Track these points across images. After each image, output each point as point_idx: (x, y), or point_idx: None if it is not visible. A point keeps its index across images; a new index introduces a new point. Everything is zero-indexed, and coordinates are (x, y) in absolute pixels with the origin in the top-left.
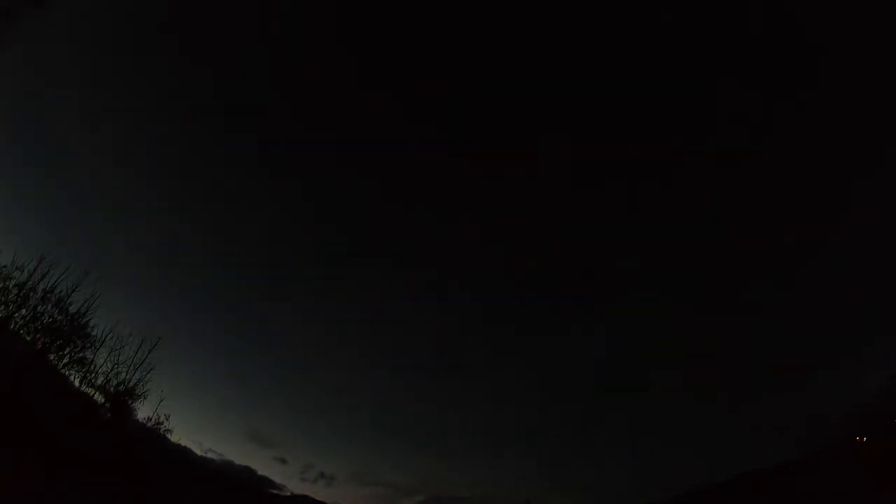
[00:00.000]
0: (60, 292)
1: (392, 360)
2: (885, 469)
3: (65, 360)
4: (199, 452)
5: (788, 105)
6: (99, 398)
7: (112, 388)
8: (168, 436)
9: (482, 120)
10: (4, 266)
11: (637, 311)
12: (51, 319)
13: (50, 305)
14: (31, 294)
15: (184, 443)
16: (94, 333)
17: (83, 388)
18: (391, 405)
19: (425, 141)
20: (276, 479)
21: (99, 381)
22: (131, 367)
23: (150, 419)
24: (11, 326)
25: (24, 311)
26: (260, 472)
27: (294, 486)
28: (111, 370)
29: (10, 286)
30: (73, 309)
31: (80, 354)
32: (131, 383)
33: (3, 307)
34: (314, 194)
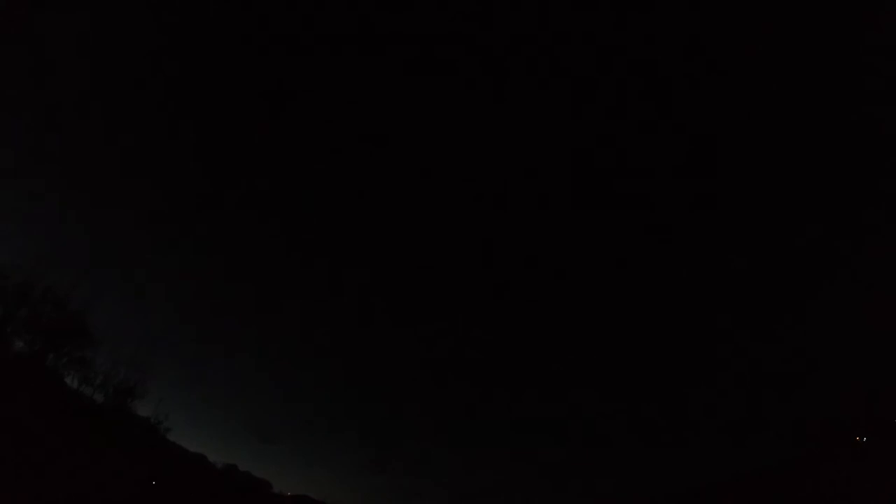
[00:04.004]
0: (60, 291)
1: (399, 363)
2: (885, 469)
3: (64, 360)
4: (199, 452)
5: None
6: (98, 397)
7: (111, 387)
8: (167, 435)
9: None
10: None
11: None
12: (50, 319)
13: (49, 305)
14: (31, 293)
15: (184, 443)
16: (93, 332)
17: (82, 387)
18: (396, 405)
19: None
20: (277, 478)
21: (98, 381)
22: (131, 367)
23: (150, 418)
24: (11, 327)
25: (23, 310)
26: (261, 473)
27: (294, 486)
28: (111, 369)
29: (10, 286)
30: (72, 308)
31: (80, 354)
32: (131, 382)
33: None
34: (313, 202)
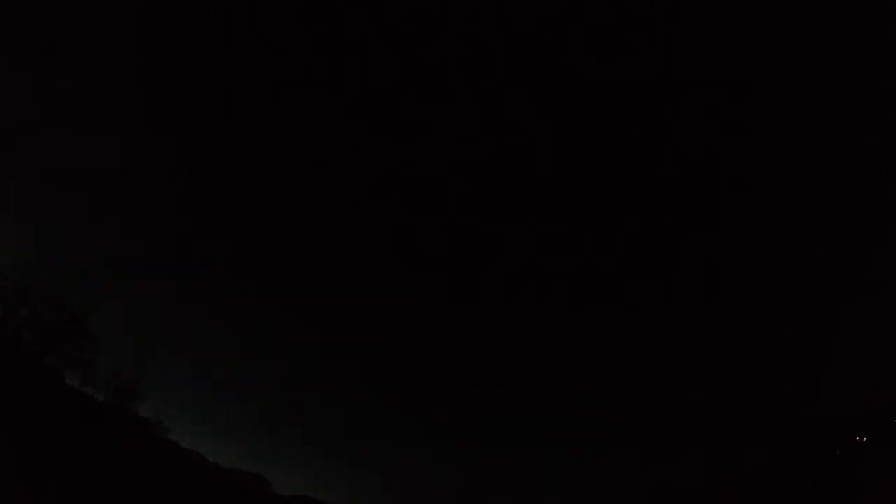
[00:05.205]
0: (60, 291)
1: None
2: (885, 469)
3: (64, 360)
4: (199, 452)
5: None
6: (99, 397)
7: (112, 387)
8: (167, 435)
9: None
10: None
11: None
12: (50, 319)
13: (49, 305)
14: (31, 293)
15: (184, 443)
16: (93, 332)
17: (83, 386)
18: (396, 405)
19: None
20: (277, 479)
21: (98, 380)
22: (131, 367)
23: (149, 418)
24: (11, 327)
25: (23, 310)
26: (261, 473)
27: (294, 486)
28: (111, 369)
29: (10, 285)
30: (72, 308)
31: (80, 354)
32: (131, 382)
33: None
34: (312, 205)
